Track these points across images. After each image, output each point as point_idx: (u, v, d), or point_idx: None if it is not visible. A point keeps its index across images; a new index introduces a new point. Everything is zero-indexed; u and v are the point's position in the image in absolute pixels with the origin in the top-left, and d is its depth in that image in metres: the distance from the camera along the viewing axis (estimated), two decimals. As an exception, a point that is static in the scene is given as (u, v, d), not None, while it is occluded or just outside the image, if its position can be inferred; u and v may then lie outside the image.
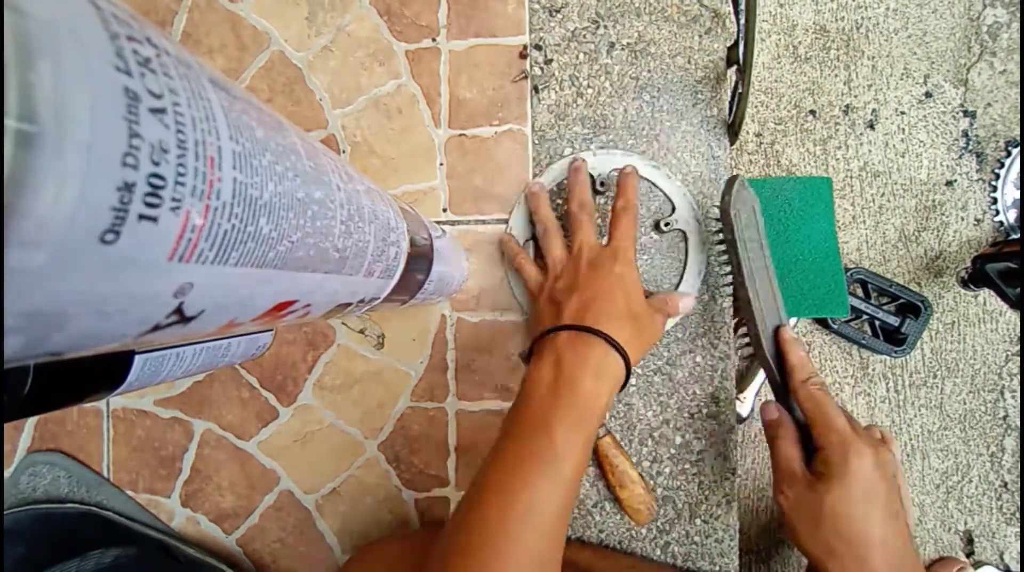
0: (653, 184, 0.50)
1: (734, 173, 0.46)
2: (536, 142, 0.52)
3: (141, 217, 0.13)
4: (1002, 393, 0.59)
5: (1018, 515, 0.59)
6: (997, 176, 0.59)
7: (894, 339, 0.60)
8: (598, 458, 0.50)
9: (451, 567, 0.28)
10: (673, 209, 0.50)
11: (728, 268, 0.45)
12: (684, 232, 0.50)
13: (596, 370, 0.33)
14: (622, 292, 0.38)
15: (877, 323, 0.59)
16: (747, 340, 0.43)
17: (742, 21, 0.43)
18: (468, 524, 0.29)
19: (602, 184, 0.49)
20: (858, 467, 0.34)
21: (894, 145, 0.60)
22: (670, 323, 0.49)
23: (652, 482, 0.51)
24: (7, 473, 0.55)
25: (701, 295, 0.49)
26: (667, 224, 0.49)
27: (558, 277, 0.42)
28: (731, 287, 0.47)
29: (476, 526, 0.29)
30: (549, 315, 0.40)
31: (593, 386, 0.33)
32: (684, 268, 0.49)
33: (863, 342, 0.59)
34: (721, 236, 0.45)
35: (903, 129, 0.60)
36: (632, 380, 0.51)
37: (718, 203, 0.44)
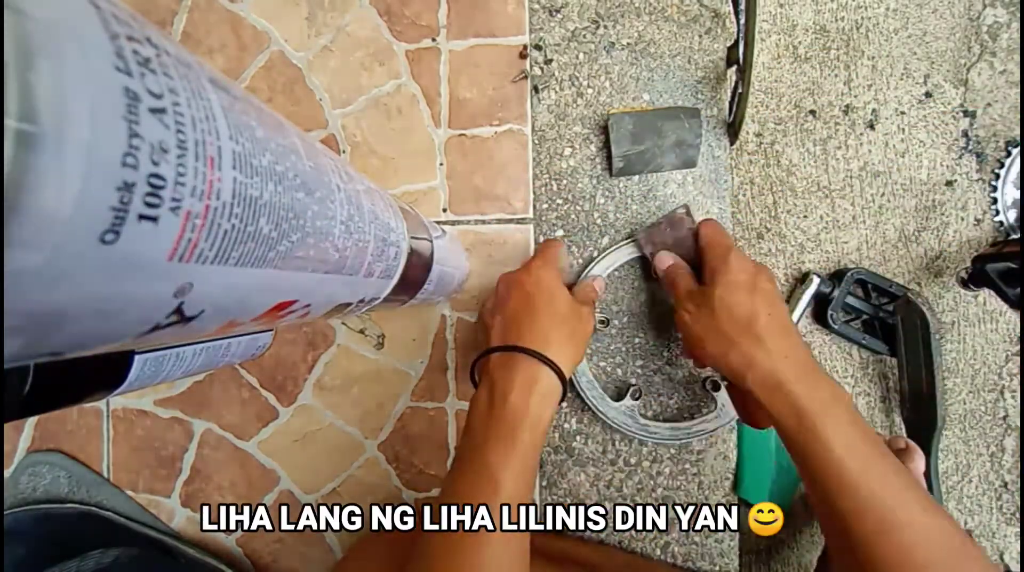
0: None
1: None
2: (536, 142, 0.52)
3: (141, 217, 0.13)
4: (1002, 393, 0.59)
5: (1018, 515, 0.58)
6: (997, 176, 0.59)
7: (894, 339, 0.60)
8: None
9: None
10: None
11: None
12: None
13: (523, 385, 0.35)
14: (543, 299, 0.39)
15: (877, 323, 0.59)
16: None
17: (742, 21, 0.43)
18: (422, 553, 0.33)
19: None
20: (738, 265, 0.39)
21: (894, 145, 0.60)
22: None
23: (652, 482, 0.51)
24: (7, 473, 0.55)
25: None
26: None
27: (485, 301, 0.45)
28: None
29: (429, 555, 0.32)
30: (484, 340, 0.42)
31: (521, 400, 0.35)
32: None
33: (863, 342, 0.59)
34: None
35: (903, 129, 0.60)
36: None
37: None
